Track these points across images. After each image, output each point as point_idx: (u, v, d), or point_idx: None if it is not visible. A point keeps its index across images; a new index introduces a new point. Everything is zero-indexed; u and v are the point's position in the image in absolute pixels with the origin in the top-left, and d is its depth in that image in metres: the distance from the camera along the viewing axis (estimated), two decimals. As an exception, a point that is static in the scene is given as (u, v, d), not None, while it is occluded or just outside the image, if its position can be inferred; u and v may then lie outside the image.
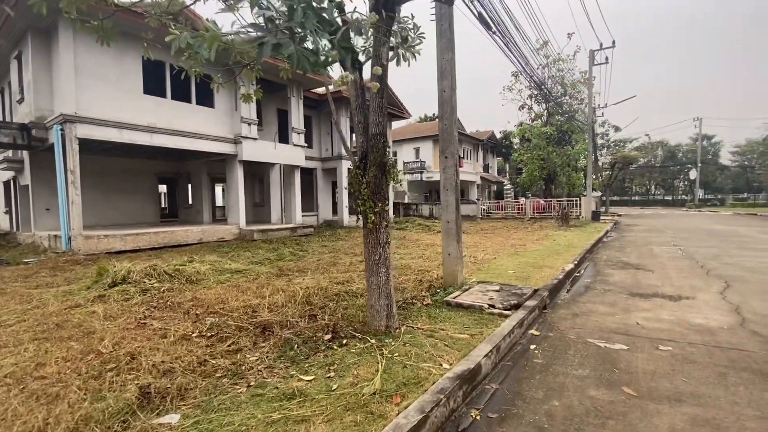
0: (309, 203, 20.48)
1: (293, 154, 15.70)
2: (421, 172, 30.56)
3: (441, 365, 3.04)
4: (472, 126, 36.95)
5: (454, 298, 4.98)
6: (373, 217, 3.72)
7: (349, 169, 20.10)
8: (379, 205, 3.71)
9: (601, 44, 20.36)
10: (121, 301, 5.66)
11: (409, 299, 5.09)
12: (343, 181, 19.13)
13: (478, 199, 26.19)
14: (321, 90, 19.38)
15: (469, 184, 33.56)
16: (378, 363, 3.08)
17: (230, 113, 13.84)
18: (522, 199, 24.43)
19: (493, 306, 4.63)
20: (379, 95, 3.75)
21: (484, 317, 4.37)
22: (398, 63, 3.47)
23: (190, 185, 17.17)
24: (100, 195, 14.34)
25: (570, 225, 17.64)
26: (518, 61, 11.14)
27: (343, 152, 19.04)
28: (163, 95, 12.15)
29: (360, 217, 3.91)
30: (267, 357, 3.35)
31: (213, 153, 13.51)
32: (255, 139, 14.06)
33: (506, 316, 4.35)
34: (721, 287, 5.96)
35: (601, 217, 23.40)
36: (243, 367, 3.15)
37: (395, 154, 33.24)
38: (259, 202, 18.09)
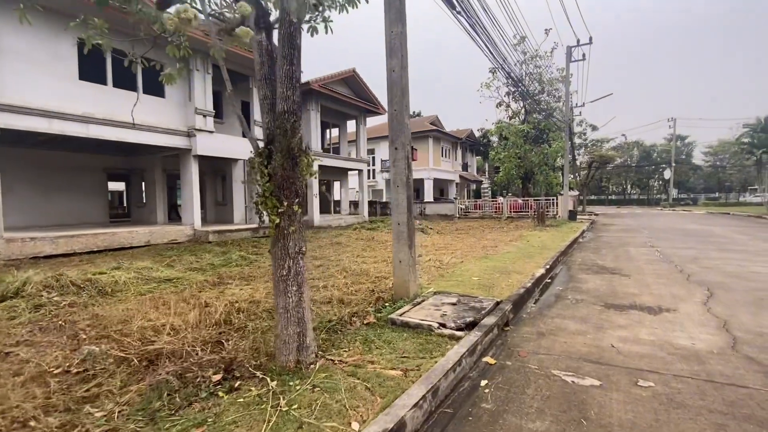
0: (277, 202, 19.44)
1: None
2: (399, 170, 29.77)
3: (350, 424, 2.21)
4: (452, 125, 36.45)
5: (402, 314, 4.18)
6: (278, 220, 2.87)
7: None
8: (285, 203, 2.86)
9: (578, 40, 20.00)
10: (4, 320, 4.66)
11: (347, 317, 4.26)
12: (314, 178, 18.16)
13: (455, 198, 25.63)
14: (289, 82, 18.33)
15: (447, 182, 33.02)
16: (265, 422, 2.24)
17: (183, 104, 12.72)
18: (500, 199, 23.98)
19: (443, 325, 3.84)
20: (287, 62, 2.90)
21: (432, 340, 3.58)
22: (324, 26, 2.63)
23: (144, 183, 15.90)
24: (39, 192, 13.00)
25: (546, 225, 17.16)
26: (486, 46, 10.44)
27: (313, 148, 18.09)
28: (103, 82, 10.96)
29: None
30: (121, 412, 2.46)
31: (163, 147, 12.37)
32: (211, 132, 12.98)
33: (458, 339, 3.58)
34: (704, 296, 5.35)
35: (578, 217, 23.13)
36: (73, 433, 2.26)
37: (372, 152, 32.39)
38: (222, 201, 16.95)
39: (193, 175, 12.89)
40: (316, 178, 18.99)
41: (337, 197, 24.96)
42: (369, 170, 32.78)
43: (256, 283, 6.44)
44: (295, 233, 2.92)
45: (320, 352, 3.18)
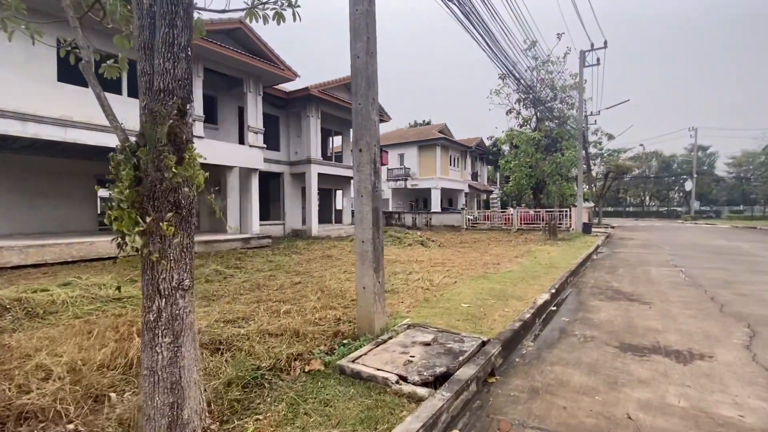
0: (276, 211, 18.81)
1: (249, 155, 14.04)
2: (406, 179, 29.00)
3: None
4: (463, 134, 35.50)
5: (355, 360, 3.29)
6: (141, 242, 2.03)
7: (319, 173, 18.58)
8: (149, 218, 2.03)
9: (592, 45, 18.99)
10: None
11: (286, 361, 3.38)
12: (312, 186, 17.49)
13: (462, 209, 24.61)
14: (290, 87, 17.83)
15: (456, 192, 32.04)
16: None
17: (172, 108, 12.17)
18: (509, 210, 22.88)
19: (404, 379, 2.94)
20: (167, 23, 2.10)
21: (384, 401, 2.69)
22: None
23: (135, 189, 15.40)
24: (22, 199, 12.56)
25: (558, 238, 16.03)
26: (488, 46, 9.59)
27: (313, 155, 17.44)
28: (84, 84, 10.46)
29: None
30: None
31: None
32: (200, 137, 12.39)
33: (419, 400, 2.67)
34: (746, 336, 4.31)
35: (593, 230, 21.84)
36: None
37: (378, 160, 31.70)
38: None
39: (180, 182, 12.25)
40: (315, 186, 18.31)
41: (343, 207, 24.22)
42: (375, 179, 32.06)
43: (215, 304, 5.65)
44: (170, 261, 2.08)
45: (216, 425, 2.31)
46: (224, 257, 10.63)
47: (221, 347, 3.78)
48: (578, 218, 19.93)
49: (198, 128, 12.37)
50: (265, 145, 14.63)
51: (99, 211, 15.10)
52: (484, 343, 3.72)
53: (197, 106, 12.37)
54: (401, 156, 30.00)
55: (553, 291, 6.19)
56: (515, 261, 9.56)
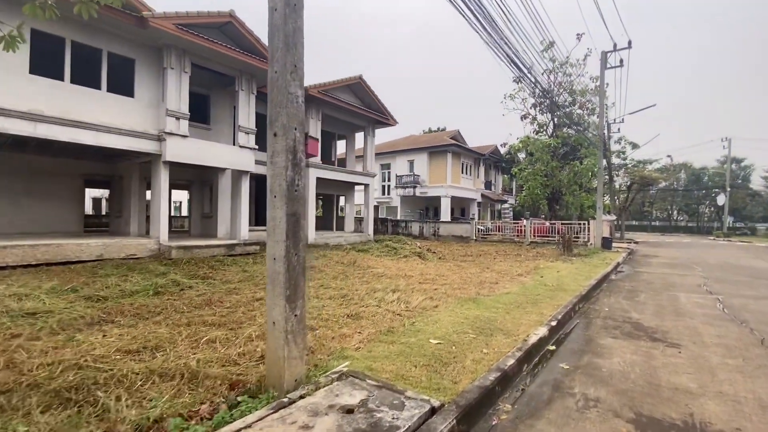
0: (263, 215, 17.97)
1: (239, 157, 13.25)
2: (414, 187, 27.87)
3: None
4: (479, 142, 34.08)
5: (229, 437, 2.21)
6: None
7: (318, 178, 17.65)
8: None
9: (614, 45, 17.58)
10: None
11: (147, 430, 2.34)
12: (310, 191, 16.60)
13: (472, 218, 23.26)
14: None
15: (468, 201, 30.68)
16: None
17: (156, 105, 11.51)
18: (524, 221, 21.41)
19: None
20: None
21: None
22: None
23: (122, 191, 14.84)
24: (7, 198, 12.09)
25: (573, 254, 14.58)
26: (487, 32, 8.48)
27: (312, 159, 16.56)
28: (59, 77, 9.88)
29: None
30: None
31: (128, 151, 11.14)
32: (184, 136, 11.65)
33: None
34: (823, 410, 3.02)
35: (614, 245, 20.15)
36: None
37: (387, 166, 30.69)
38: (208, 213, 15.64)
39: (162, 183, 11.53)
40: (313, 191, 17.41)
41: (345, 213, 23.26)
42: (384, 186, 31.10)
43: (146, 325, 4.71)
44: None
45: None
46: (197, 265, 9.75)
47: (74, 397, 2.78)
48: (597, 232, 18.35)
49: (182, 126, 11.65)
50: (257, 147, 13.82)
51: (90, 213, 14.61)
52: (433, 411, 2.59)
53: (182, 104, 11.67)
54: (411, 162, 28.91)
55: (554, 323, 4.97)
56: (517, 280, 8.30)
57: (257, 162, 16.40)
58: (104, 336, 4.40)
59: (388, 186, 30.67)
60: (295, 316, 2.87)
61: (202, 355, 3.78)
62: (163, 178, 11.59)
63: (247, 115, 13.55)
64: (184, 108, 11.73)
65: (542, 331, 4.57)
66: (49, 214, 13.19)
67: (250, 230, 15.88)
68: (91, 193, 23.54)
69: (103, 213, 18.92)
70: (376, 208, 32.10)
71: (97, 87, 10.49)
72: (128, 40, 10.93)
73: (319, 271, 9.59)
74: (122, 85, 11.17)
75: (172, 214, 18.86)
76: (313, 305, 5.90)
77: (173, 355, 3.77)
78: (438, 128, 46.63)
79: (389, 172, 30.61)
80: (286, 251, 2.82)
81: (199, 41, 11.15)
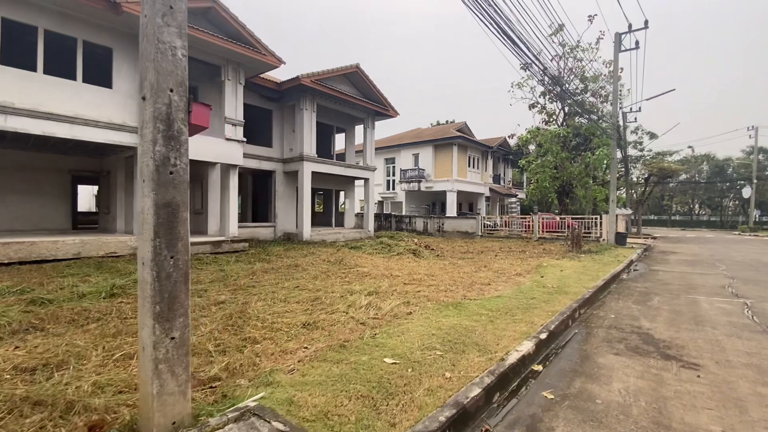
0: (266, 212, 17.43)
1: (226, 150, 12.66)
2: (419, 181, 26.99)
3: None
4: (487, 135, 32.88)
5: None
6: None
7: (314, 172, 16.88)
8: None
9: (630, 26, 16.35)
10: None
11: None
12: (305, 186, 15.96)
13: (478, 214, 22.28)
14: (282, 76, 16.44)
15: (476, 196, 29.64)
16: None
17: (136, 96, 10.96)
18: (533, 216, 20.35)
19: None
20: None
21: None
22: None
23: (109, 187, 14.44)
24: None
25: (582, 250, 13.59)
26: (486, 15, 7.59)
27: (306, 151, 15.91)
28: (32, 68, 9.40)
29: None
30: None
31: (107, 145, 10.64)
32: (166, 128, 11.09)
33: None
34: None
35: (629, 241, 18.99)
36: None
37: (392, 161, 29.86)
38: (199, 210, 15.14)
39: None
40: (308, 186, 16.79)
41: (345, 209, 22.54)
42: (389, 180, 30.32)
43: (73, 335, 4.14)
44: None
45: None
46: (174, 264, 9.17)
47: None
48: (611, 227, 17.23)
49: (164, 118, 11.08)
50: (245, 139, 13.22)
51: (87, 210, 14.21)
52: (342, 477, 1.85)
53: (163, 94, 11.09)
54: (416, 156, 28.01)
55: (545, 335, 4.16)
56: (513, 280, 7.47)
57: (256, 157, 15.92)
58: (16, 348, 3.82)
59: (393, 181, 29.84)
60: (172, 339, 2.16)
61: (107, 376, 3.14)
62: (145, 172, 11.06)
63: (234, 106, 12.94)
64: (166, 99, 11.14)
65: (527, 346, 3.77)
66: (35, 211, 12.86)
67: (243, 226, 15.41)
68: (88, 189, 23.37)
69: (91, 210, 18.72)
70: (381, 203, 31.35)
71: (72, 78, 9.99)
72: (105, 29, 10.39)
73: (303, 270, 8.91)
74: (99, 76, 10.68)
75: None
76: (274, 310, 5.25)
77: (73, 375, 3.15)
78: (447, 121, 45.47)
79: (394, 167, 29.78)
80: (154, 254, 2.10)
81: (196, 34, 10.53)
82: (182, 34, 2.24)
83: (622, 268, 9.83)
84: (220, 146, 12.62)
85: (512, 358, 3.46)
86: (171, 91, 2.17)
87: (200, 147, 12.01)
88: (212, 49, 11.90)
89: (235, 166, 13.13)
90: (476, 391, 2.79)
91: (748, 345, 4.27)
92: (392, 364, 3.31)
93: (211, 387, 2.88)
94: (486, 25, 9.01)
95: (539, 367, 3.63)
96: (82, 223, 17.03)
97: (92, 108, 10.16)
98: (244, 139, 13.19)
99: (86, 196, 25.66)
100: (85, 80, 10.18)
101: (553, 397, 3.05)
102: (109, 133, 10.41)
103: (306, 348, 3.74)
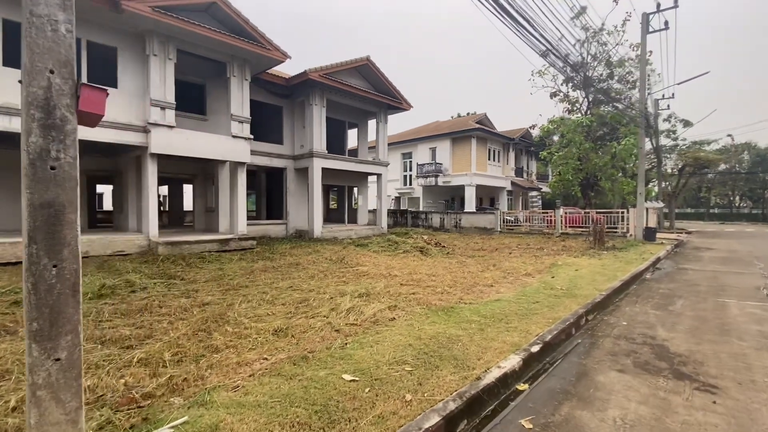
0: (278, 209, 17.36)
1: (232, 147, 12.57)
2: (437, 176, 26.36)
3: None
4: (510, 126, 31.62)
5: None
6: None
7: (325, 168, 16.65)
8: None
9: (658, 5, 15.14)
10: None
11: None
12: (315, 182, 15.76)
13: (496, 209, 21.46)
14: (291, 71, 16.25)
15: (497, 190, 28.71)
16: None
17: (141, 95, 11.01)
18: (559, 210, 19.39)
19: None
20: None
21: None
22: None
23: (121, 186, 14.68)
24: (6, 195, 12.16)
25: (606, 247, 12.73)
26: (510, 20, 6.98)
27: (315, 147, 15.69)
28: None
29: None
30: None
31: (113, 144, 10.73)
32: (171, 126, 11.09)
33: None
34: None
35: (660, 236, 17.79)
36: None
37: (409, 155, 29.30)
38: (211, 208, 15.22)
39: (149, 176, 11.08)
40: (319, 182, 16.54)
41: (358, 205, 22.25)
42: (406, 176, 29.82)
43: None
44: None
45: None
46: (175, 262, 9.15)
47: None
48: (638, 221, 16.15)
49: (168, 117, 11.08)
50: (252, 136, 13.09)
51: (109, 209, 14.58)
52: None
53: (167, 92, 11.09)
54: (433, 150, 27.34)
55: (537, 347, 3.68)
56: (520, 281, 6.92)
57: (267, 154, 15.84)
58: (-26, 355, 3.69)
59: (410, 176, 29.31)
60: (56, 361, 1.87)
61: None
62: (151, 171, 11.13)
63: (240, 103, 12.83)
64: (170, 97, 11.15)
65: (513, 361, 3.31)
66: (11, 212, 13.10)
67: (254, 224, 15.39)
68: (106, 189, 24.03)
69: (107, 209, 19.20)
70: (398, 199, 30.90)
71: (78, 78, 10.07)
72: (108, 28, 10.45)
73: (303, 269, 8.68)
74: (104, 75, 10.75)
75: (185, 208, 18.73)
76: (256, 313, 5.01)
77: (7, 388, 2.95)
78: (468, 113, 44.36)
79: (411, 162, 29.22)
80: (29, 262, 1.81)
81: (179, 24, 10.45)
82: (66, 6, 1.93)
83: (646, 267, 9.05)
84: (226, 144, 12.54)
85: (491, 376, 3.02)
86: (51, 72, 1.87)
87: (205, 145, 11.97)
88: (216, 46, 11.79)
89: (243, 163, 13.04)
90: (434, 420, 2.38)
91: (783, 363, 3.63)
92: (350, 381, 2.94)
93: (139, 406, 2.60)
94: (495, 14, 8.41)
95: (524, 387, 3.17)
96: (103, 222, 17.53)
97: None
98: (251, 136, 13.06)
99: (110, 196, 26.52)
100: (90, 80, 10.27)
101: (531, 426, 2.60)
102: (115, 132, 10.49)
103: (265, 359, 3.43)
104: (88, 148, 12.30)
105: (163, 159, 12.17)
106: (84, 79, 10.15)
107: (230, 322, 4.64)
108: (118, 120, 10.51)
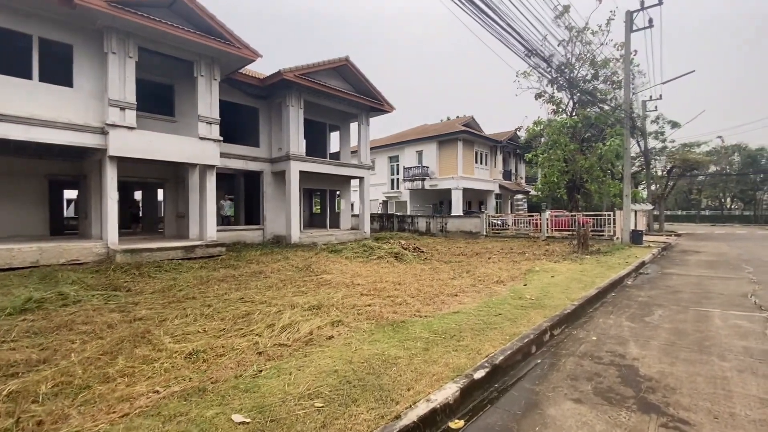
0: (256, 214, 16.76)
1: (200, 149, 11.98)
2: (423, 179, 25.91)
3: None
4: (497, 129, 31.24)
5: None
6: None
7: (305, 172, 16.10)
8: None
9: (642, 2, 14.84)
10: None
11: None
12: (293, 186, 15.21)
13: (483, 212, 21.02)
14: (267, 71, 15.73)
15: (485, 193, 28.31)
16: None
17: (100, 95, 10.43)
18: (545, 213, 18.96)
19: None
20: None
21: None
22: None
23: (86, 192, 14.03)
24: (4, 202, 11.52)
25: (590, 251, 12.28)
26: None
27: (292, 150, 15.16)
28: (-5, 70, 8.97)
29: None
30: None
31: (69, 147, 10.14)
32: (131, 128, 10.50)
33: None
34: None
35: (648, 238, 17.42)
36: None
37: (395, 159, 28.85)
38: (182, 213, 14.60)
39: (109, 180, 10.48)
40: (296, 186, 16.02)
41: (340, 210, 21.69)
42: (393, 179, 29.36)
43: None
44: None
45: None
46: (128, 272, 8.54)
47: None
48: (625, 224, 15.75)
49: (129, 118, 10.50)
50: (221, 138, 12.52)
51: (58, 215, 13.92)
52: None
53: (127, 92, 10.52)
54: (419, 153, 26.89)
55: (484, 371, 3.15)
56: (489, 290, 6.41)
57: (242, 157, 15.29)
58: None
59: (397, 180, 28.85)
60: None
61: None
62: (110, 175, 10.53)
63: (208, 104, 12.27)
64: (131, 97, 10.57)
65: (448, 392, 2.78)
66: (9, 217, 12.53)
67: (228, 229, 14.80)
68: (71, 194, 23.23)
69: (70, 216, 18.45)
70: (386, 203, 30.39)
71: (28, 77, 9.50)
72: (63, 24, 9.88)
73: (265, 277, 8.12)
74: (59, 74, 10.16)
75: (160, 215, 18.04)
76: (186, 330, 4.46)
77: None
78: (457, 116, 44.09)
79: (398, 165, 28.77)
80: None
81: (138, 20, 9.91)
82: None
83: (628, 272, 8.59)
84: (194, 146, 11.95)
85: (415, 413, 2.49)
86: None
87: (169, 147, 11.38)
88: (181, 44, 11.25)
89: (212, 166, 12.46)
90: (316, 483, 1.84)
91: (766, 386, 3.13)
92: (239, 424, 2.40)
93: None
94: (470, 14, 7.98)
95: (459, 424, 2.64)
96: (69, 228, 16.80)
97: (51, 108, 9.66)
98: (221, 138, 12.50)
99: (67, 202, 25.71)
100: (43, 79, 9.69)
101: (449, 484, 2.06)
102: (70, 134, 9.90)
103: (155, 392, 2.87)
104: (46, 150, 11.74)
105: (128, 162, 11.59)
106: (36, 79, 9.57)
107: (148, 343, 4.08)
108: (74, 121, 9.92)
